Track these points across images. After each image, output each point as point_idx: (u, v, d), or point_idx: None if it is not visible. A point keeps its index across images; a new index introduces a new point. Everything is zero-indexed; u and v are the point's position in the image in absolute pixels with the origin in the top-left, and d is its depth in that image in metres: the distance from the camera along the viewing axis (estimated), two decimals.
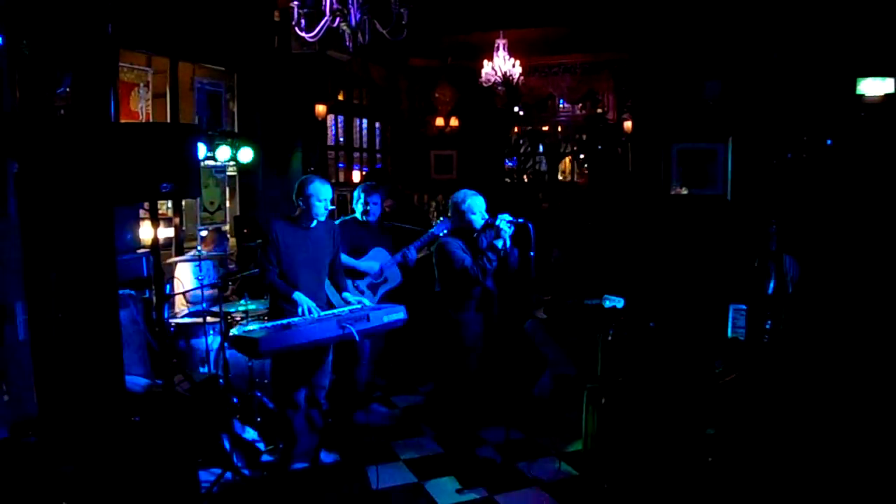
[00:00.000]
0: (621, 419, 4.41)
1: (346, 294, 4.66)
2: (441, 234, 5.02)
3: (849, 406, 3.76)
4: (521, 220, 4.45)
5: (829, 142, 6.92)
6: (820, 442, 3.71)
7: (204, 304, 5.44)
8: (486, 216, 4.59)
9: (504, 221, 4.45)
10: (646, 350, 4.52)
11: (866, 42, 7.18)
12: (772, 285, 4.76)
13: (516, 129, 13.13)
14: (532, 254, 4.39)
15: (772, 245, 4.85)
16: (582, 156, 13.24)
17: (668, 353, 4.47)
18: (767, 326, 4.56)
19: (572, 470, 4.64)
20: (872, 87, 7.35)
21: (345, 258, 5.10)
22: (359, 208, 5.45)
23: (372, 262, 5.43)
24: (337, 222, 5.16)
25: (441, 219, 5.51)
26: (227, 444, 4.62)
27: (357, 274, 5.34)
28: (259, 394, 5.12)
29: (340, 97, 10.68)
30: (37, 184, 3.62)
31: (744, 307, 4.67)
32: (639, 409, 4.37)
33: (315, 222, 4.48)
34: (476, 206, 4.58)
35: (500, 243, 4.46)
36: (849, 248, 4.31)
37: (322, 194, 4.39)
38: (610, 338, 4.59)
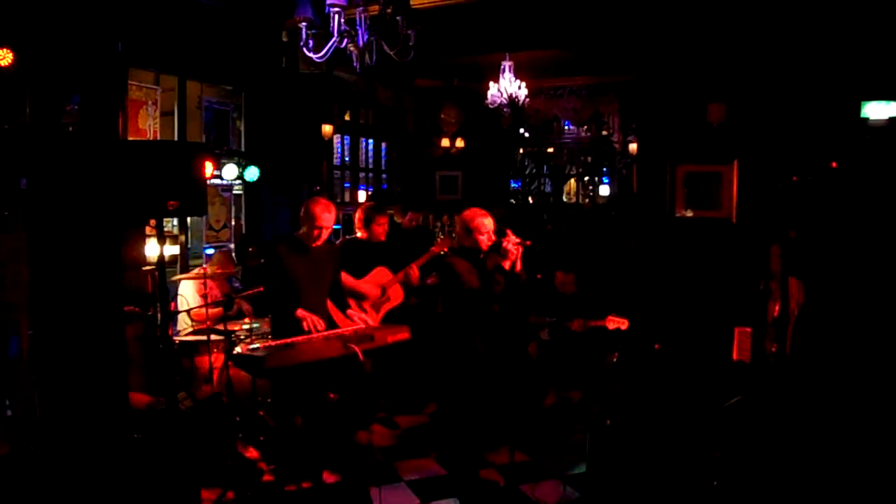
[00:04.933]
0: (626, 441, 4.38)
1: (350, 313, 4.65)
2: (443, 253, 5.01)
3: (857, 429, 3.73)
4: (527, 242, 4.44)
5: (833, 165, 6.93)
6: (827, 466, 3.68)
7: (208, 323, 5.45)
8: (494, 238, 4.58)
9: (511, 243, 4.44)
10: (650, 372, 4.50)
11: (871, 66, 7.21)
12: (777, 308, 4.74)
13: (521, 151, 13.18)
14: (538, 275, 4.39)
15: (777, 267, 4.84)
16: (587, 178, 13.28)
17: (672, 374, 4.45)
18: (773, 349, 4.54)
19: (577, 493, 4.60)
20: (877, 110, 7.37)
21: (347, 277, 5.10)
22: (362, 229, 5.45)
23: (374, 286, 5.41)
24: (339, 242, 5.17)
25: (440, 237, 5.52)
26: (229, 463, 4.60)
27: (360, 297, 5.33)
28: (262, 413, 5.10)
29: (347, 117, 10.73)
30: (45, 200, 3.65)
31: (749, 329, 4.66)
32: (644, 432, 4.34)
33: (317, 243, 4.50)
34: (485, 226, 4.56)
35: (506, 265, 4.45)
36: (854, 270, 4.29)
37: (325, 221, 4.43)
38: (615, 360, 4.58)
